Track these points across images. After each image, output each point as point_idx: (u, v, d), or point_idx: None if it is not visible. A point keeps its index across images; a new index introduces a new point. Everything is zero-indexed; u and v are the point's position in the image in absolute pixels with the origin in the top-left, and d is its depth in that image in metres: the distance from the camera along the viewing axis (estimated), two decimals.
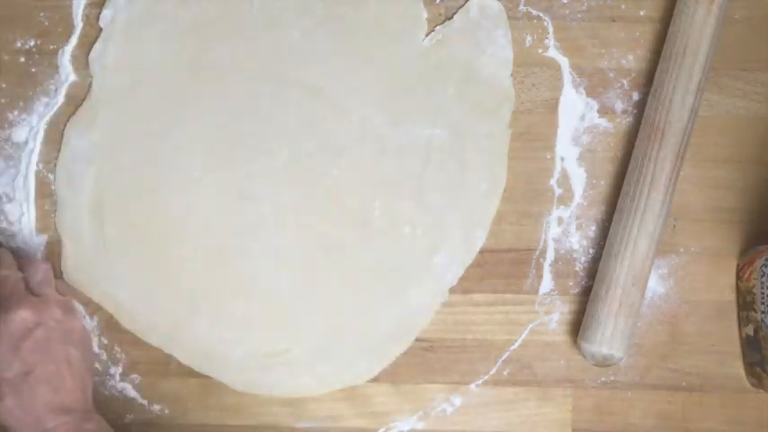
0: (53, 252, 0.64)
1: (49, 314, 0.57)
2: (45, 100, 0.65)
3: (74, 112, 0.64)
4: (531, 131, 0.64)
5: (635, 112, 0.64)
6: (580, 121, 0.64)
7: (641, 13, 0.64)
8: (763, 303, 0.60)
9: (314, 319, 0.63)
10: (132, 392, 0.64)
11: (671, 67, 0.60)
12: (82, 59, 0.64)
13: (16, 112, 0.65)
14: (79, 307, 0.63)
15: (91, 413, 0.57)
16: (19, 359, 0.55)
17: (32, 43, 0.65)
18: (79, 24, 0.65)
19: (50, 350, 0.56)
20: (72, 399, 0.56)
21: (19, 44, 0.65)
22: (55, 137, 0.64)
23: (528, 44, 0.64)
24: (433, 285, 0.63)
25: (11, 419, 0.54)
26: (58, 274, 0.64)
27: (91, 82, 0.64)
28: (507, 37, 0.63)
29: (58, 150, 0.64)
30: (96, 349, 0.64)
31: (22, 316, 0.55)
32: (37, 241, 0.64)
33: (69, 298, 0.61)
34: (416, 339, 0.64)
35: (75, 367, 0.57)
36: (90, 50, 0.64)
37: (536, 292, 0.64)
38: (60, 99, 0.64)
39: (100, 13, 0.64)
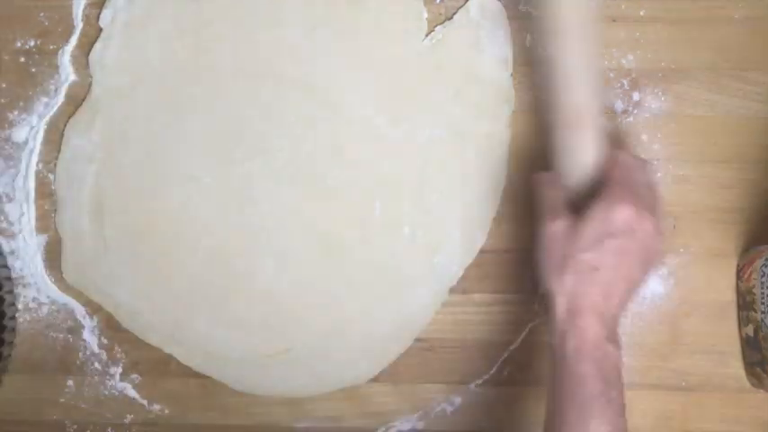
0: (53, 252, 0.64)
1: (641, 220, 0.52)
2: (45, 100, 0.65)
3: (74, 112, 0.64)
4: (531, 131, 0.64)
5: (635, 112, 0.64)
6: None
7: (641, 13, 0.64)
8: (763, 303, 0.60)
9: (314, 319, 0.63)
10: (132, 392, 0.64)
11: None
12: (82, 59, 0.64)
13: (16, 112, 0.65)
14: None
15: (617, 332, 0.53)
16: (591, 251, 0.51)
17: (32, 43, 0.65)
18: (79, 24, 0.65)
19: (625, 254, 0.52)
20: (609, 307, 0.52)
21: (19, 44, 0.65)
22: (55, 137, 0.64)
23: (528, 44, 0.64)
24: (433, 285, 0.63)
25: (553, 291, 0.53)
26: (58, 273, 0.64)
27: (91, 82, 0.64)
28: (507, 37, 0.63)
29: (58, 150, 0.64)
30: (96, 349, 0.64)
31: (624, 215, 0.51)
32: (37, 241, 0.64)
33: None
34: (416, 339, 0.64)
35: (630, 277, 0.52)
36: (90, 50, 0.64)
37: (536, 292, 0.64)
38: (60, 99, 0.64)
39: (100, 13, 0.64)
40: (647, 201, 0.53)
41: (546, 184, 0.57)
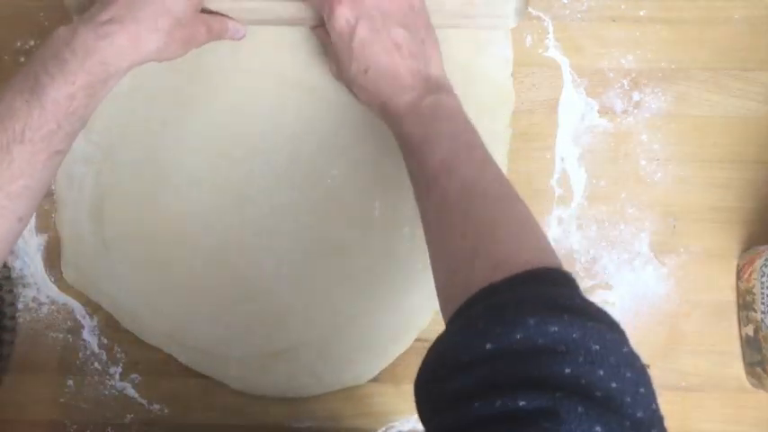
0: (53, 252, 0.64)
1: (364, 4, 0.54)
2: None
3: None
4: (531, 131, 0.64)
5: (635, 111, 0.64)
6: (580, 121, 0.64)
7: (641, 13, 0.64)
8: (763, 303, 0.60)
9: (314, 319, 0.63)
10: (132, 392, 0.64)
11: None
12: None
13: None
14: None
15: (440, 82, 0.55)
16: (353, 60, 0.55)
17: (32, 43, 0.65)
18: None
19: (377, 41, 0.54)
20: (412, 80, 0.54)
21: (19, 44, 0.65)
22: None
23: (528, 44, 0.64)
24: (433, 285, 0.63)
25: (365, 104, 0.58)
26: (58, 273, 0.64)
27: None
28: (507, 37, 0.63)
29: None
30: (96, 349, 0.64)
31: (342, 13, 0.54)
32: (37, 241, 0.64)
33: None
34: (416, 339, 0.64)
35: (405, 47, 0.55)
36: None
37: None
38: None
39: None
40: None
41: None
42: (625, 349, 0.39)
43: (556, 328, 0.38)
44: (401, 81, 0.54)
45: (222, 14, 0.59)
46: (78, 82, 0.50)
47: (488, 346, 0.38)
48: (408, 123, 0.53)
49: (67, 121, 0.50)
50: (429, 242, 0.51)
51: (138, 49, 0.52)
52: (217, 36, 0.59)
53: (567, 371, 0.36)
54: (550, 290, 0.42)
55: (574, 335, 0.38)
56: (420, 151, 0.52)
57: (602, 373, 0.37)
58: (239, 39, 0.60)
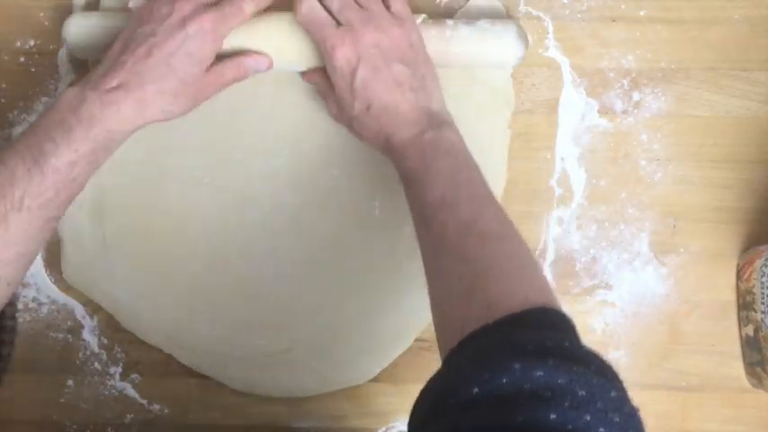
0: (53, 252, 0.64)
1: (364, 44, 0.55)
2: (45, 100, 0.65)
3: None
4: (531, 131, 0.64)
5: (635, 111, 0.64)
6: (580, 121, 0.64)
7: (641, 13, 0.64)
8: (763, 303, 0.60)
9: (314, 319, 0.63)
10: (132, 392, 0.64)
11: None
12: (82, 59, 0.64)
13: (16, 112, 0.65)
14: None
15: (441, 117, 0.56)
16: (356, 99, 0.55)
17: (32, 43, 0.65)
18: None
19: (378, 79, 0.55)
20: (414, 115, 0.55)
21: (19, 44, 0.65)
22: None
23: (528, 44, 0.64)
24: None
25: (368, 142, 0.58)
26: (58, 273, 0.64)
27: None
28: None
29: None
30: (96, 349, 0.64)
31: (344, 54, 0.55)
32: None
33: (400, 13, 0.57)
34: (416, 339, 0.64)
35: (407, 83, 0.55)
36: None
37: None
38: None
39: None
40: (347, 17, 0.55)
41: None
42: (613, 393, 0.38)
43: (541, 373, 0.38)
44: (403, 116, 0.55)
45: (239, 53, 0.58)
46: (81, 150, 0.51)
47: (475, 390, 0.38)
48: (410, 158, 0.54)
49: (67, 188, 0.51)
50: (428, 279, 0.52)
51: (143, 114, 0.53)
52: (231, 83, 0.58)
53: (553, 416, 0.36)
54: (540, 333, 0.42)
55: (559, 380, 0.37)
56: (420, 186, 0.52)
57: (588, 418, 0.36)
58: (266, 71, 0.59)
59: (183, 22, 0.53)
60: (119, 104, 0.52)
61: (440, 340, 0.48)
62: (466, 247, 0.48)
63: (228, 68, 0.57)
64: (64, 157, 0.50)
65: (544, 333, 0.42)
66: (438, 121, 0.55)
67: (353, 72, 0.55)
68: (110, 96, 0.51)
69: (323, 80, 0.58)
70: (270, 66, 0.59)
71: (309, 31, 0.56)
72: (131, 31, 0.54)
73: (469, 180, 0.52)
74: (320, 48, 0.56)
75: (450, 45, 0.60)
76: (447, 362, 0.45)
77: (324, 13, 0.56)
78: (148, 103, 0.53)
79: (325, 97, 0.60)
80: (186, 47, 0.53)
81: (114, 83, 0.52)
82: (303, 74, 0.61)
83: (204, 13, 0.54)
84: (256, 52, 0.59)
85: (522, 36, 0.60)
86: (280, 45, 0.59)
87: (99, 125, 0.51)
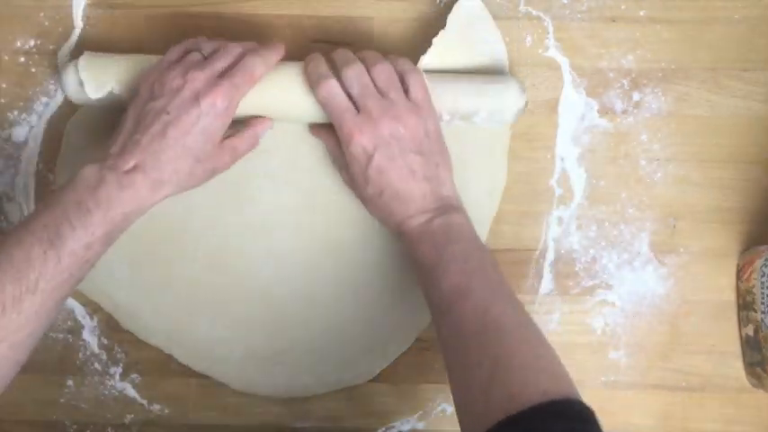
0: None
1: (381, 133, 0.55)
2: (45, 100, 0.65)
3: (74, 112, 0.64)
4: (531, 131, 0.64)
5: (635, 111, 0.64)
6: (580, 121, 0.64)
7: (641, 13, 0.64)
8: (763, 303, 0.60)
9: (314, 319, 0.63)
10: (132, 392, 0.64)
11: None
12: None
13: (16, 112, 0.65)
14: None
15: (450, 202, 0.57)
16: (369, 184, 0.56)
17: (32, 43, 0.65)
18: (79, 24, 0.65)
19: (393, 168, 0.55)
20: (426, 202, 0.56)
21: (19, 44, 0.65)
22: (55, 137, 0.64)
23: (528, 44, 0.64)
24: None
25: (379, 221, 0.60)
26: None
27: None
28: (498, 37, 0.63)
29: (58, 150, 0.64)
30: (96, 349, 0.64)
31: (360, 142, 0.55)
32: None
33: (418, 100, 0.57)
34: (416, 339, 0.64)
35: (420, 171, 0.56)
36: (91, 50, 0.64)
37: (536, 292, 0.64)
38: (60, 99, 0.64)
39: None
40: (368, 107, 0.55)
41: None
42: None
43: None
44: (414, 204, 0.56)
45: (247, 121, 0.59)
46: (98, 233, 0.51)
47: None
48: (422, 245, 0.55)
49: (80, 270, 0.51)
50: (447, 367, 0.52)
51: (159, 193, 0.53)
52: (244, 154, 0.59)
53: None
54: (565, 424, 0.43)
55: None
56: (434, 275, 0.53)
57: None
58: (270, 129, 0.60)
59: (197, 97, 0.53)
60: (136, 186, 0.52)
61: (463, 427, 0.49)
62: (483, 336, 0.49)
63: (242, 142, 0.58)
64: (81, 241, 0.50)
65: (569, 425, 0.43)
66: (447, 207, 0.56)
67: (369, 159, 0.55)
68: (127, 178, 0.52)
69: (335, 144, 0.59)
70: (271, 126, 0.60)
71: (327, 112, 0.57)
72: (143, 103, 0.54)
73: (482, 266, 0.53)
74: (337, 131, 0.56)
75: (449, 99, 0.60)
76: None
77: (343, 97, 0.56)
78: (164, 182, 0.53)
79: (335, 160, 0.60)
80: (200, 124, 0.53)
81: (131, 164, 0.52)
82: (312, 128, 0.61)
83: (217, 87, 0.53)
84: (262, 117, 0.59)
85: (522, 91, 0.60)
86: (289, 98, 0.59)
87: (116, 208, 0.51)
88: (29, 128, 0.64)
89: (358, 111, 0.56)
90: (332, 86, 0.56)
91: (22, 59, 0.65)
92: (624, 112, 0.65)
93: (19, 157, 0.64)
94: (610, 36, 0.64)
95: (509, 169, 0.64)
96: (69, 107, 0.64)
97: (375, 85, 0.56)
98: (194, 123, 0.53)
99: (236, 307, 0.63)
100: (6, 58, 0.65)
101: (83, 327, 0.64)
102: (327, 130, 0.59)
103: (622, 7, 0.64)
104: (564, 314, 0.64)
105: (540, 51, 0.65)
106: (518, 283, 0.64)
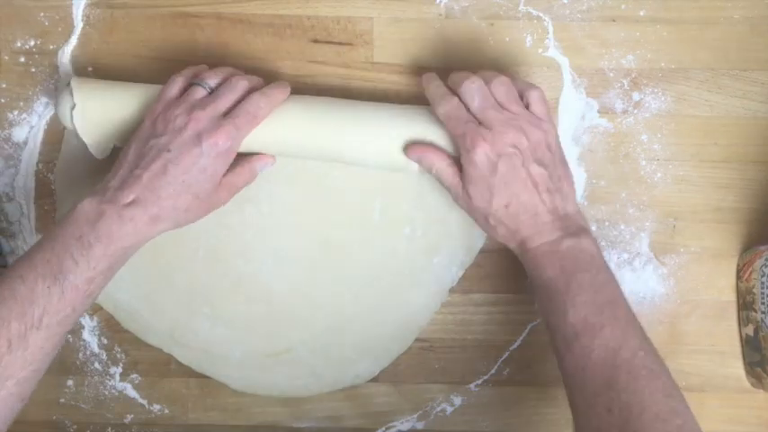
0: None
1: (504, 142, 0.54)
2: (45, 100, 0.65)
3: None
4: None
5: (635, 112, 0.64)
6: (580, 121, 0.64)
7: (641, 13, 0.64)
8: (763, 303, 0.60)
9: (314, 319, 0.63)
10: (132, 392, 0.64)
11: None
12: (82, 59, 0.64)
13: (16, 112, 0.65)
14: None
15: (578, 222, 0.55)
16: (495, 195, 0.55)
17: (32, 43, 0.65)
18: (79, 24, 0.65)
19: (517, 178, 0.54)
20: (551, 218, 0.55)
21: (19, 44, 0.65)
22: (55, 137, 0.64)
23: (528, 44, 0.64)
24: (433, 285, 0.63)
25: (502, 239, 0.57)
26: None
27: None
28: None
29: (59, 150, 0.64)
30: (96, 349, 0.64)
31: (484, 150, 0.54)
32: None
33: (539, 114, 0.56)
34: (416, 339, 0.64)
35: (543, 184, 0.55)
36: (91, 50, 0.64)
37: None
38: None
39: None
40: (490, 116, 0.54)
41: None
42: None
43: None
44: (541, 219, 0.55)
45: (248, 157, 0.58)
46: (99, 267, 0.52)
47: None
48: (548, 268, 0.54)
49: (83, 304, 0.52)
50: (571, 402, 0.52)
51: (157, 228, 0.54)
52: (242, 188, 0.59)
53: None
54: None
55: None
56: (561, 302, 0.52)
57: None
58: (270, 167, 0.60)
59: (199, 138, 0.53)
60: (135, 221, 0.52)
61: None
62: (613, 378, 0.49)
63: (240, 177, 0.58)
64: (83, 275, 0.51)
65: None
66: (575, 228, 0.55)
67: (494, 168, 0.54)
68: (127, 212, 0.52)
69: (449, 168, 0.56)
70: (274, 161, 0.60)
71: (449, 126, 0.56)
72: (146, 138, 0.54)
73: (613, 301, 0.52)
74: (459, 142, 0.55)
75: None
76: None
77: (465, 111, 0.55)
78: (163, 218, 0.54)
79: (452, 186, 0.57)
80: (201, 164, 0.53)
81: (131, 198, 0.52)
82: (412, 148, 0.57)
83: (219, 128, 0.53)
84: (263, 155, 0.59)
85: None
86: (293, 134, 0.59)
87: (116, 242, 0.52)
88: (29, 128, 0.64)
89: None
90: (453, 102, 0.55)
91: (22, 59, 0.65)
92: (624, 112, 0.65)
93: (19, 157, 0.64)
94: (610, 36, 0.64)
95: None
96: None
97: (495, 99, 0.55)
98: (195, 163, 0.53)
99: (235, 307, 0.63)
100: (6, 58, 0.65)
101: (83, 327, 0.64)
102: (435, 153, 0.57)
103: (622, 7, 0.64)
104: None
105: (540, 51, 0.65)
106: (518, 283, 0.64)
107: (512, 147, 0.54)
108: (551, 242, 0.54)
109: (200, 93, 0.55)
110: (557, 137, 0.57)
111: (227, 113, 0.55)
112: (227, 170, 0.56)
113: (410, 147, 0.57)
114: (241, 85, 0.56)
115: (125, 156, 0.54)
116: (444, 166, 0.57)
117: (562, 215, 0.55)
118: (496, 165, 0.54)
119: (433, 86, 0.57)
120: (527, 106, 0.56)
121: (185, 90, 0.56)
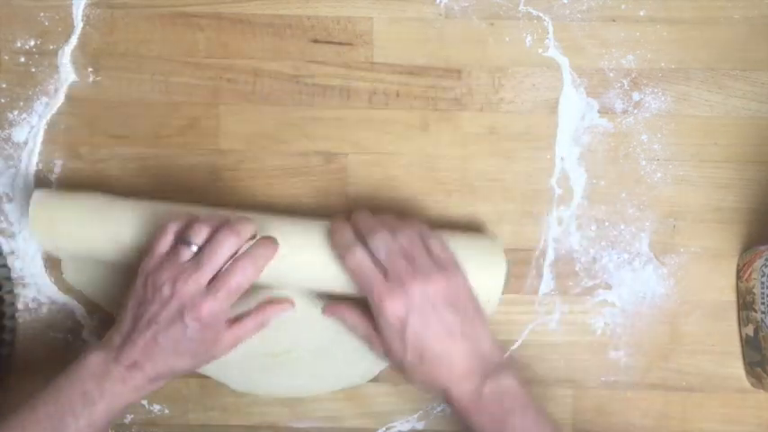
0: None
1: (412, 295, 0.54)
2: (45, 100, 0.65)
3: (74, 113, 0.64)
4: (531, 131, 0.64)
5: (635, 112, 0.64)
6: (580, 121, 0.64)
7: (641, 13, 0.64)
8: (763, 303, 0.60)
9: (314, 319, 0.63)
10: None
11: None
12: (82, 59, 0.64)
13: (16, 112, 0.65)
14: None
15: (494, 359, 0.55)
16: (407, 350, 0.55)
17: (32, 43, 0.65)
18: (79, 24, 0.65)
19: (429, 330, 0.54)
20: (469, 364, 0.55)
21: (19, 44, 0.65)
22: (55, 137, 0.64)
23: (528, 44, 0.64)
24: None
25: (422, 388, 0.58)
26: (58, 273, 0.64)
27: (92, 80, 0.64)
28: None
29: (58, 150, 0.64)
30: None
31: (393, 305, 0.54)
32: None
33: (444, 261, 0.56)
34: None
35: (457, 331, 0.55)
36: (91, 50, 0.64)
37: (536, 292, 0.64)
38: (60, 99, 0.64)
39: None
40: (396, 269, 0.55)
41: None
42: None
43: None
44: (458, 368, 0.55)
45: (261, 306, 0.60)
46: (99, 423, 0.53)
47: None
48: (477, 417, 0.54)
49: None
50: None
51: (158, 384, 0.56)
52: (250, 336, 0.60)
53: None
54: None
55: None
56: None
57: None
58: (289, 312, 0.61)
59: (181, 313, 0.54)
60: (137, 381, 0.54)
61: None
62: None
63: (244, 330, 0.59)
64: (82, 430, 0.53)
65: None
66: (493, 366, 0.55)
67: (404, 323, 0.54)
68: (129, 374, 0.54)
69: (360, 320, 0.58)
70: (292, 306, 0.61)
71: (356, 281, 0.56)
72: (139, 300, 0.55)
73: None
74: (368, 298, 0.56)
75: None
76: None
77: (371, 265, 0.55)
78: (164, 377, 0.56)
79: (367, 337, 0.58)
80: (188, 335, 0.54)
81: (131, 360, 0.54)
82: (328, 308, 0.61)
83: (202, 304, 0.54)
84: (278, 302, 0.60)
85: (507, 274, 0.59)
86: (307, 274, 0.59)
87: (119, 401, 0.54)
88: (29, 128, 0.64)
89: (386, 276, 0.55)
90: (358, 255, 0.56)
91: (22, 59, 0.65)
92: (624, 112, 0.65)
93: (19, 157, 0.64)
94: (610, 36, 0.64)
95: (509, 169, 0.64)
96: (69, 107, 0.64)
97: (401, 247, 0.56)
98: (183, 335, 0.54)
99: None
100: (6, 58, 0.65)
101: (83, 327, 0.64)
102: (349, 307, 0.59)
103: (622, 7, 0.64)
104: (564, 314, 0.64)
105: (540, 51, 0.65)
106: (518, 283, 0.64)
107: (420, 298, 0.54)
108: (472, 391, 0.54)
109: (185, 254, 0.55)
110: (464, 278, 0.56)
111: (213, 283, 0.55)
112: (234, 320, 0.58)
113: (326, 307, 0.60)
114: (228, 244, 0.55)
115: (125, 311, 0.56)
116: (357, 321, 0.58)
117: (480, 357, 0.55)
118: (406, 319, 0.54)
119: (338, 236, 0.57)
120: (429, 253, 0.56)
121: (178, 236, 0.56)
